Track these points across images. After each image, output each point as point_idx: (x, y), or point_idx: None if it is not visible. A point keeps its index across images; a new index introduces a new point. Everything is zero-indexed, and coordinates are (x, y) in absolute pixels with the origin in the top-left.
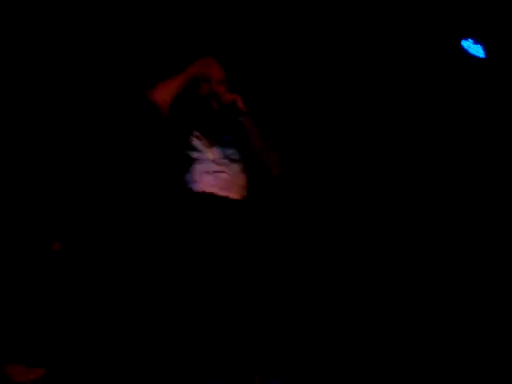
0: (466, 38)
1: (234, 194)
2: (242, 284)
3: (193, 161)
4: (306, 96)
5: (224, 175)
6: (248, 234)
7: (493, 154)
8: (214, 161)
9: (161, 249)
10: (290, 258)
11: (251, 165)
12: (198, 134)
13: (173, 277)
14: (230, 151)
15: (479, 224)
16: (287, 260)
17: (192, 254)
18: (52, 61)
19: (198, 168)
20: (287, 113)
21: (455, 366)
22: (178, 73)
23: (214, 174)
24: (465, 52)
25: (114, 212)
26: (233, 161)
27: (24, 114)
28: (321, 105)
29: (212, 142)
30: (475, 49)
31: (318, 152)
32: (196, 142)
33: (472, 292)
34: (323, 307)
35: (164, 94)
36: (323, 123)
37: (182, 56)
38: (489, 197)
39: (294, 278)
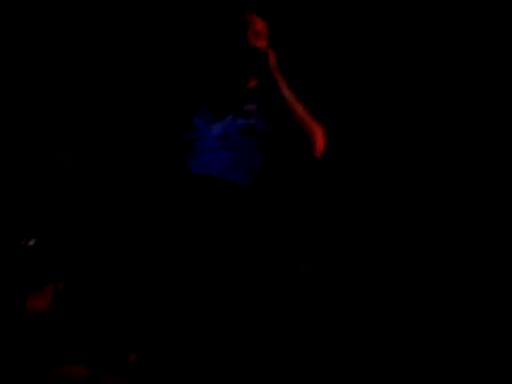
0: None
1: (241, 177)
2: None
3: (194, 140)
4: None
5: (231, 153)
6: (249, 227)
7: None
8: (218, 137)
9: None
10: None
11: (282, 139)
12: (202, 110)
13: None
14: (246, 123)
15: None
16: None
17: (182, 242)
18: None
19: (198, 146)
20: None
21: (455, 366)
22: None
23: (216, 151)
24: None
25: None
26: (249, 134)
27: None
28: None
29: (222, 114)
30: None
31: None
32: (197, 121)
33: (472, 292)
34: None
35: None
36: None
37: None
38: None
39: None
